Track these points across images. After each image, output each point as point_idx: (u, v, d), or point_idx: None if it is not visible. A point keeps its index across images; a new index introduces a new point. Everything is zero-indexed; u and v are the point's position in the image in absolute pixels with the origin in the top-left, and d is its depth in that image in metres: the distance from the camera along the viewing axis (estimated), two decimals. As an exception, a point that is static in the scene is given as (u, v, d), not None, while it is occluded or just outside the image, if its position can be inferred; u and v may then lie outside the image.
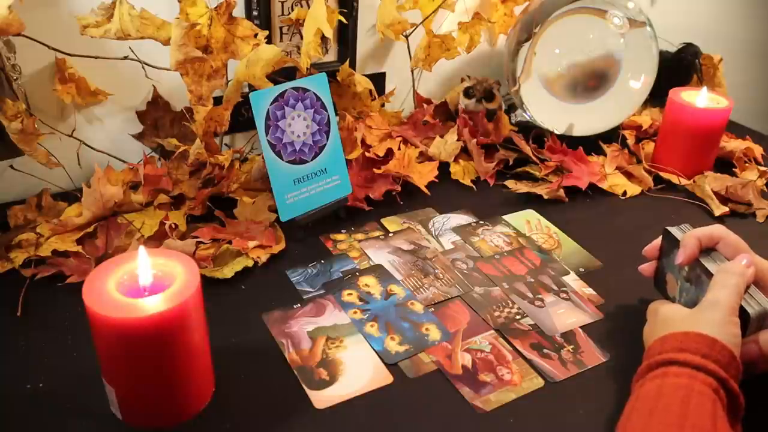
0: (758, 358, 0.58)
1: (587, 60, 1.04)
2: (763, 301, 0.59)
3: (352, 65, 1.01)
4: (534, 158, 1.01)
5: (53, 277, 0.72)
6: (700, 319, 0.57)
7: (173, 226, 0.78)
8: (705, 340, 0.54)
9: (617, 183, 1.00)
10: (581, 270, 0.81)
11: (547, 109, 1.06)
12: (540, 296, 0.75)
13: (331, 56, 1.02)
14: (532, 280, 0.78)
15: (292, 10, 0.93)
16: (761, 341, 0.58)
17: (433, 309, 0.72)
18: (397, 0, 0.97)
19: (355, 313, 0.71)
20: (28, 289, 0.70)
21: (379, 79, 1.09)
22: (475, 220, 0.90)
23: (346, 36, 1.00)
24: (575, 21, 1.02)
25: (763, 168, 1.02)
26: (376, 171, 0.93)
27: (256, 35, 0.81)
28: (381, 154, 0.95)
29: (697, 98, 0.99)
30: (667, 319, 0.60)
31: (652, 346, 0.58)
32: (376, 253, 0.81)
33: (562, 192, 0.95)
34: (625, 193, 0.98)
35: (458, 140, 1.01)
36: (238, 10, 0.88)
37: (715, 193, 0.95)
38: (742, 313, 0.58)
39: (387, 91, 1.09)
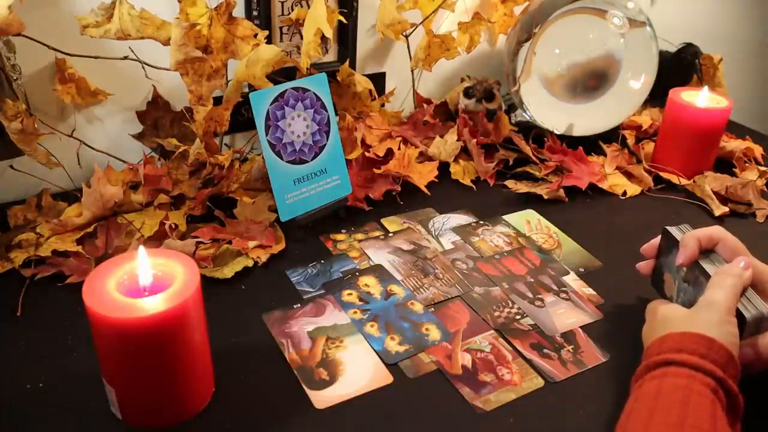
0: (754, 362, 0.58)
1: (587, 60, 1.04)
2: (759, 305, 0.59)
3: (352, 65, 1.01)
4: (534, 158, 1.01)
5: (53, 277, 0.72)
6: (698, 319, 0.57)
7: (173, 226, 0.78)
8: (703, 340, 0.54)
9: (617, 183, 1.00)
10: (581, 270, 0.81)
11: (547, 109, 1.06)
12: (540, 296, 0.75)
13: (331, 56, 1.02)
14: (532, 280, 0.78)
15: (292, 10, 0.93)
16: (760, 345, 0.58)
17: (433, 309, 0.72)
18: (397, 0, 0.97)
19: (355, 313, 0.71)
20: (28, 289, 0.70)
21: (379, 79, 1.09)
22: (475, 220, 0.90)
23: (346, 36, 1.00)
24: (575, 21, 1.02)
25: (763, 168, 1.03)
26: (376, 171, 0.93)
27: (256, 35, 0.81)
28: (381, 154, 0.95)
29: (697, 98, 0.99)
30: (665, 319, 0.60)
31: (650, 346, 0.58)
32: (376, 253, 0.81)
33: (562, 192, 0.95)
34: (625, 193, 0.98)
35: (458, 140, 1.01)
36: (238, 10, 0.88)
37: (715, 193, 0.95)
38: (738, 317, 0.58)
39: (387, 91, 1.09)
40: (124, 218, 0.80)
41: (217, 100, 0.83)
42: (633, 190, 0.99)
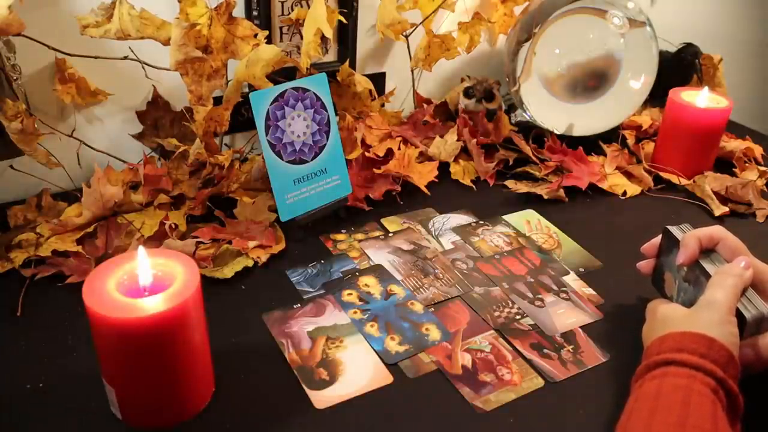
0: (754, 362, 0.58)
1: (587, 60, 1.04)
2: (759, 305, 0.59)
3: (352, 65, 1.01)
4: (534, 158, 1.01)
5: (53, 277, 0.72)
6: (698, 318, 0.57)
7: (173, 226, 0.78)
8: (703, 340, 0.54)
9: (617, 183, 1.00)
10: (581, 270, 0.81)
11: (547, 109, 1.06)
12: (540, 296, 0.75)
13: (331, 56, 1.02)
14: (532, 280, 0.78)
15: (292, 10, 0.93)
16: (760, 345, 0.58)
17: (433, 309, 0.72)
18: (397, 0, 0.97)
19: (355, 313, 0.71)
20: (28, 289, 0.70)
21: (379, 79, 1.09)
22: (475, 220, 0.90)
23: (346, 36, 1.00)
24: (575, 21, 1.02)
25: (763, 168, 1.03)
26: (376, 171, 0.93)
27: (256, 35, 0.81)
28: (381, 154, 0.95)
29: (697, 98, 0.99)
30: (665, 318, 0.60)
31: (650, 346, 0.58)
32: (376, 253, 0.81)
33: (562, 192, 0.95)
34: (625, 193, 0.98)
35: (458, 140, 1.01)
36: (238, 10, 0.88)
37: (715, 193, 0.95)
38: (739, 317, 0.58)
39: (387, 91, 1.09)
40: (124, 218, 0.80)
41: (217, 100, 0.83)
42: (633, 190, 0.99)
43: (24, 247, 0.75)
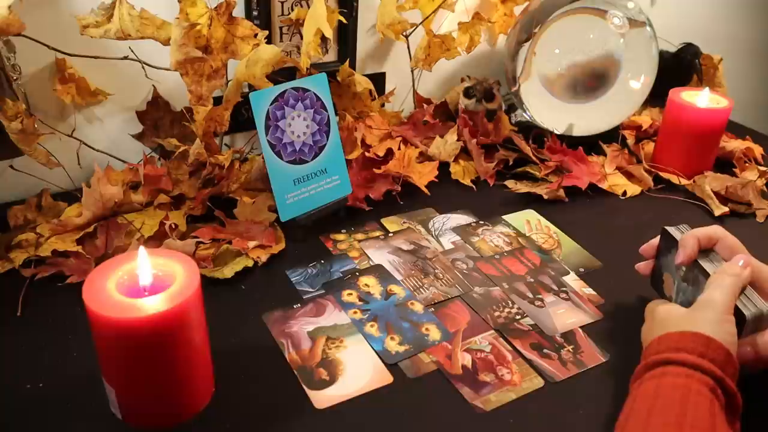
0: (753, 361, 0.58)
1: (587, 60, 1.04)
2: (759, 303, 0.59)
3: (352, 65, 1.01)
4: (534, 158, 1.01)
5: (53, 277, 0.72)
6: (696, 318, 0.57)
7: (173, 226, 0.78)
8: (701, 339, 0.54)
9: (617, 183, 1.00)
10: (581, 270, 0.81)
11: (547, 109, 1.06)
12: (540, 296, 0.75)
13: (331, 56, 1.02)
14: (532, 280, 0.78)
15: (292, 10, 0.93)
16: (759, 343, 0.58)
17: (433, 309, 0.72)
18: (397, 0, 0.97)
19: (355, 313, 0.71)
20: (28, 289, 0.70)
21: (379, 79, 1.09)
22: (475, 220, 0.90)
23: (346, 36, 1.00)
24: (575, 21, 1.02)
25: (763, 168, 1.02)
26: (376, 171, 0.93)
27: (256, 35, 0.81)
28: (381, 154, 0.95)
29: (697, 98, 0.99)
30: (664, 318, 0.60)
31: (649, 346, 0.58)
32: (376, 253, 0.81)
33: (562, 192, 0.95)
34: (625, 193, 0.98)
35: (458, 140, 1.01)
36: (238, 10, 0.88)
37: (715, 193, 0.95)
38: (738, 315, 0.58)
39: (387, 91, 1.09)
40: (124, 218, 0.80)
41: (217, 100, 0.83)
42: (633, 190, 0.99)
43: (24, 247, 0.75)
